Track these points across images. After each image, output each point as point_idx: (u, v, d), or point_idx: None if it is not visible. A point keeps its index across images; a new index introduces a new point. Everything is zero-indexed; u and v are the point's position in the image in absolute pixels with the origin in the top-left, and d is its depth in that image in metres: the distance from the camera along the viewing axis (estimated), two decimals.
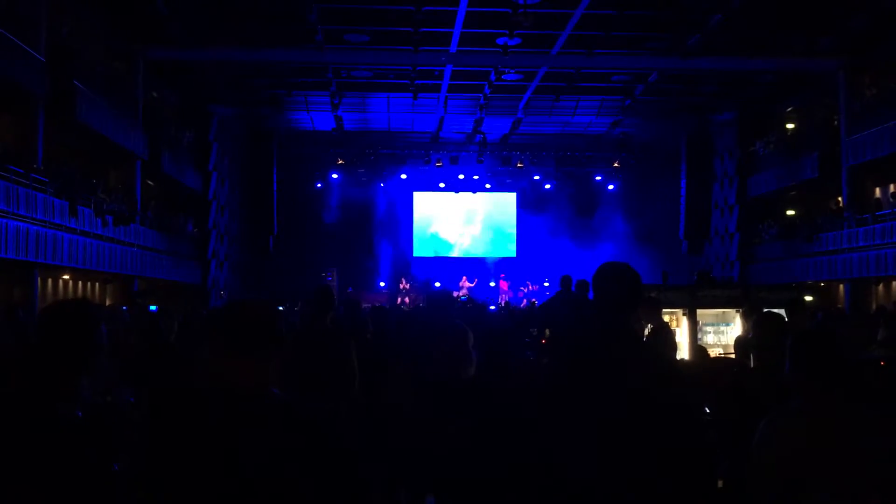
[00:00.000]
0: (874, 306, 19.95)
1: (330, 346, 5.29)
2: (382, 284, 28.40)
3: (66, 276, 18.74)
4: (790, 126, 25.13)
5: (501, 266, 29.85)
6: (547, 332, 8.38)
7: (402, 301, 26.04)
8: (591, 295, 3.09)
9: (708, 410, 4.85)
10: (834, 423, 2.70)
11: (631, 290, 2.86)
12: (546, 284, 27.28)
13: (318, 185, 29.61)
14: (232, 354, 2.28)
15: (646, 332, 6.92)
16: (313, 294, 5.58)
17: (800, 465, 2.65)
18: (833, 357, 2.83)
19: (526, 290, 28.06)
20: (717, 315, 8.54)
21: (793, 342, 2.94)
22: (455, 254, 30.95)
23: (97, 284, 20.65)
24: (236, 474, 2.16)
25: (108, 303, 20.20)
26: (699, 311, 8.40)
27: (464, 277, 28.13)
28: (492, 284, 27.74)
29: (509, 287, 28.03)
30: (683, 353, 7.72)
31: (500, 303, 24.49)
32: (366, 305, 15.83)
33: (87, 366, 2.58)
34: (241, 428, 2.19)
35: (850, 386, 2.79)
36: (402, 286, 27.46)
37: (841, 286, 21.65)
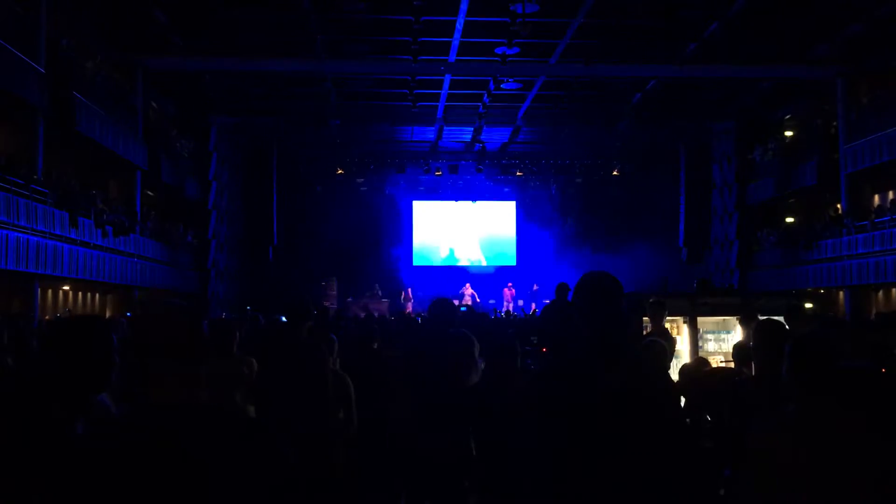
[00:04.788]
0: (874, 313, 19.96)
1: (306, 360, 5.14)
2: (380, 294, 28.33)
3: (65, 287, 18.74)
4: (788, 133, 25.18)
5: (502, 274, 29.79)
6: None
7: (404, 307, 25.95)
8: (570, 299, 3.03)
9: (709, 419, 4.86)
10: (827, 430, 2.65)
11: (610, 301, 2.79)
12: (535, 288, 27.20)
13: (318, 195, 29.63)
14: (149, 368, 2.06)
15: (645, 332, 7.08)
16: (286, 305, 5.37)
17: (790, 472, 2.59)
18: (824, 363, 2.78)
19: (534, 290, 27.85)
20: (717, 323, 8.52)
21: (791, 348, 2.90)
22: (454, 263, 30.92)
23: (97, 295, 20.66)
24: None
25: (107, 313, 20.20)
26: (700, 319, 8.39)
27: (466, 285, 28.06)
28: (492, 301, 27.57)
29: (514, 296, 27.87)
30: (684, 360, 7.71)
31: (503, 310, 24.39)
32: (366, 314, 15.88)
33: (105, 382, 2.53)
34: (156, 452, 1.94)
35: (845, 393, 2.73)
36: (404, 297, 27.34)
37: (840, 293, 21.66)
